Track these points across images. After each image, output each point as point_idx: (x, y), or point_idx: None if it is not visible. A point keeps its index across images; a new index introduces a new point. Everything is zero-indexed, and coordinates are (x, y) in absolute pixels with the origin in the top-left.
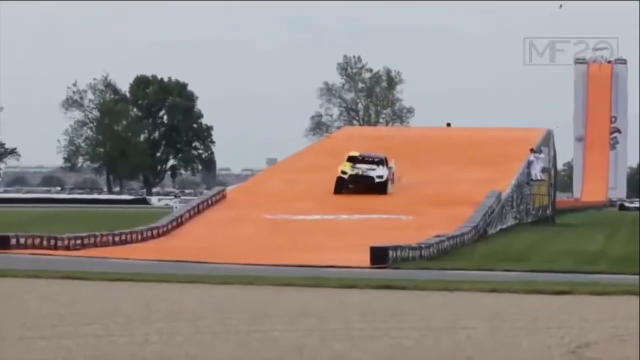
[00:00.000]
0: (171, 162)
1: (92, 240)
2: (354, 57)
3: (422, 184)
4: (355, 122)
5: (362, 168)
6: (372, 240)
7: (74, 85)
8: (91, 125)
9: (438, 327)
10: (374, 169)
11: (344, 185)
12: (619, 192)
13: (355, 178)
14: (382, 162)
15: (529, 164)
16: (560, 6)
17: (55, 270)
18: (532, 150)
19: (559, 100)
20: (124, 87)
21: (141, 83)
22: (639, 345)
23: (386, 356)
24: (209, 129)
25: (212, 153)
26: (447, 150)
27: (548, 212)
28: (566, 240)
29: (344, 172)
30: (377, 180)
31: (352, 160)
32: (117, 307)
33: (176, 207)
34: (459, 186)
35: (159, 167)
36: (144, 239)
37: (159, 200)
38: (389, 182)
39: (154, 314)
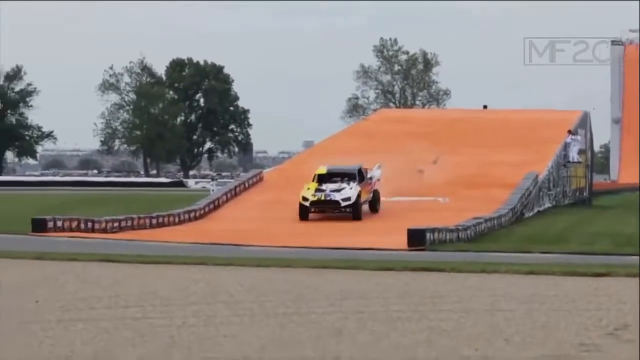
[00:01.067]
0: (208, 144)
1: (129, 223)
2: (390, 39)
3: (459, 166)
4: (391, 104)
5: (326, 190)
6: (409, 222)
7: (110, 68)
8: (128, 108)
9: (476, 309)
10: (340, 189)
11: (307, 213)
12: None
13: (318, 204)
14: (353, 176)
15: (566, 145)
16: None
17: (93, 253)
18: (569, 132)
19: (596, 80)
20: (160, 70)
21: (177, 66)
22: None
23: (424, 338)
24: (245, 112)
25: (248, 136)
26: (483, 132)
27: (585, 194)
28: (603, 222)
29: (305, 199)
30: (343, 204)
31: (319, 179)
32: (155, 290)
33: (213, 190)
34: (496, 168)
35: (195, 150)
36: (181, 222)
37: (196, 183)
38: (360, 204)
39: (192, 297)
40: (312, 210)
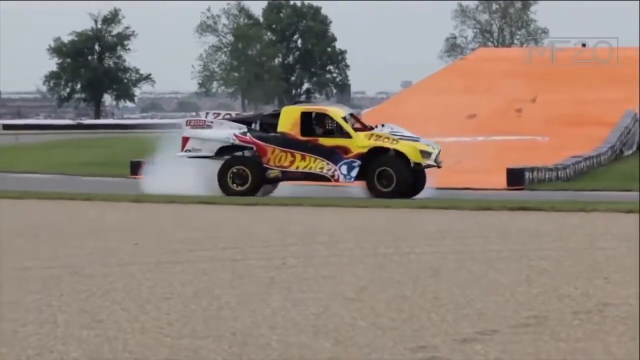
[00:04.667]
0: (306, 86)
1: None
2: None
3: (557, 105)
4: (489, 43)
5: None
6: (509, 161)
7: (208, 10)
8: (225, 50)
9: (575, 248)
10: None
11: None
12: None
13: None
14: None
15: None
16: None
17: (191, 195)
18: None
19: None
20: (257, 11)
21: (274, 7)
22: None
23: (524, 277)
24: (342, 52)
25: (346, 76)
26: (582, 70)
27: None
28: None
29: (426, 153)
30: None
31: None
32: (253, 231)
33: None
34: (595, 106)
35: (293, 91)
36: None
37: None
38: None
39: (290, 238)
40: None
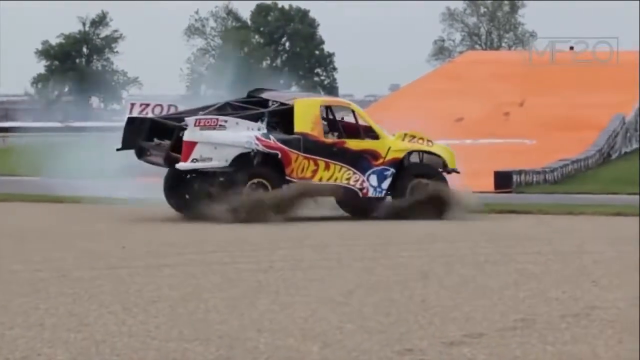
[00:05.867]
0: (294, 88)
1: None
2: None
3: (546, 108)
4: (477, 46)
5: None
6: (497, 164)
7: (196, 13)
8: (213, 52)
9: (563, 251)
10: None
11: None
12: None
13: None
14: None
15: None
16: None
17: None
18: None
19: None
20: (246, 14)
21: (262, 10)
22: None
23: (512, 281)
24: (330, 55)
25: (334, 79)
26: (571, 73)
27: None
28: None
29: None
30: None
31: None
32: (243, 235)
33: None
34: (583, 109)
35: None
36: None
37: None
38: None
39: (280, 242)
40: None
